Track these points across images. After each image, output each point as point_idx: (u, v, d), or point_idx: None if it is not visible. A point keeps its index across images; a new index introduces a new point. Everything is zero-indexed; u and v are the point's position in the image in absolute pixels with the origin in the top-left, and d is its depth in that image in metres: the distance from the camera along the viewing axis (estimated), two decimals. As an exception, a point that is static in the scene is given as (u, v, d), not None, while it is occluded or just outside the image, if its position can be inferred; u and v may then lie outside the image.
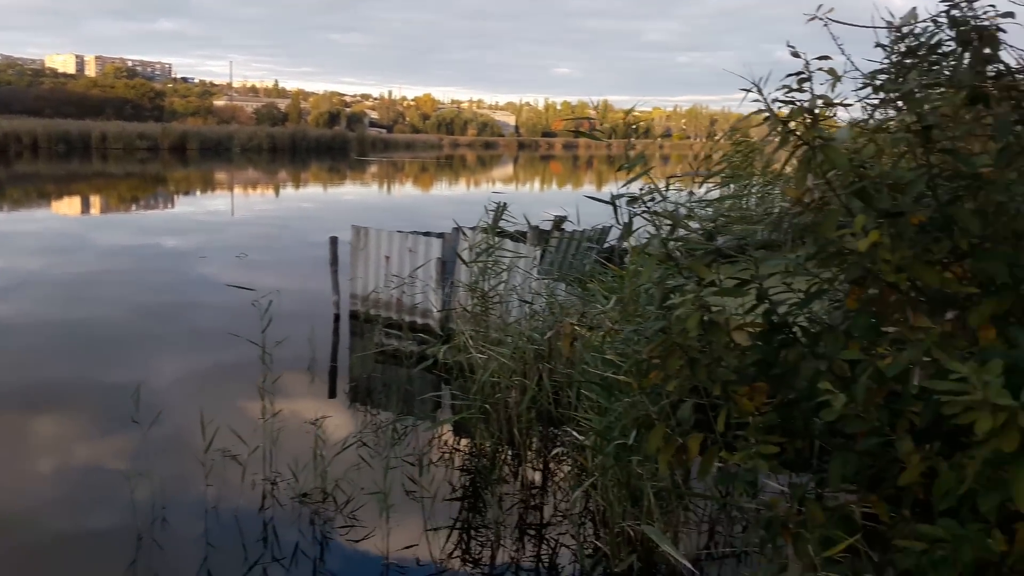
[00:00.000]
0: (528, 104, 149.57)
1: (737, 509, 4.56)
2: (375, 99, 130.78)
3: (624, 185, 3.59)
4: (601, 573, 4.83)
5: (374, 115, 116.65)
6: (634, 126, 3.62)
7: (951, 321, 2.77)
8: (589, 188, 42.24)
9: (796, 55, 3.10)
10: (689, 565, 3.94)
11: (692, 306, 3.00)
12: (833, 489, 3.52)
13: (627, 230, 3.66)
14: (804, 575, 3.06)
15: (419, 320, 9.90)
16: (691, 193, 11.59)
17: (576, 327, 5.30)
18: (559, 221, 11.53)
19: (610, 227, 11.57)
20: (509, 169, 65.97)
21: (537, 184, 49.05)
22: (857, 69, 3.56)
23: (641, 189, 3.61)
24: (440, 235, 9.99)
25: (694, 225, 4.86)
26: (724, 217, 11.36)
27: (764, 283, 3.61)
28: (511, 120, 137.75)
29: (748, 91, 3.26)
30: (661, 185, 3.44)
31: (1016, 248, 3.00)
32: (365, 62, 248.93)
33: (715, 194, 12.24)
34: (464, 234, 8.79)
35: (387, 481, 5.02)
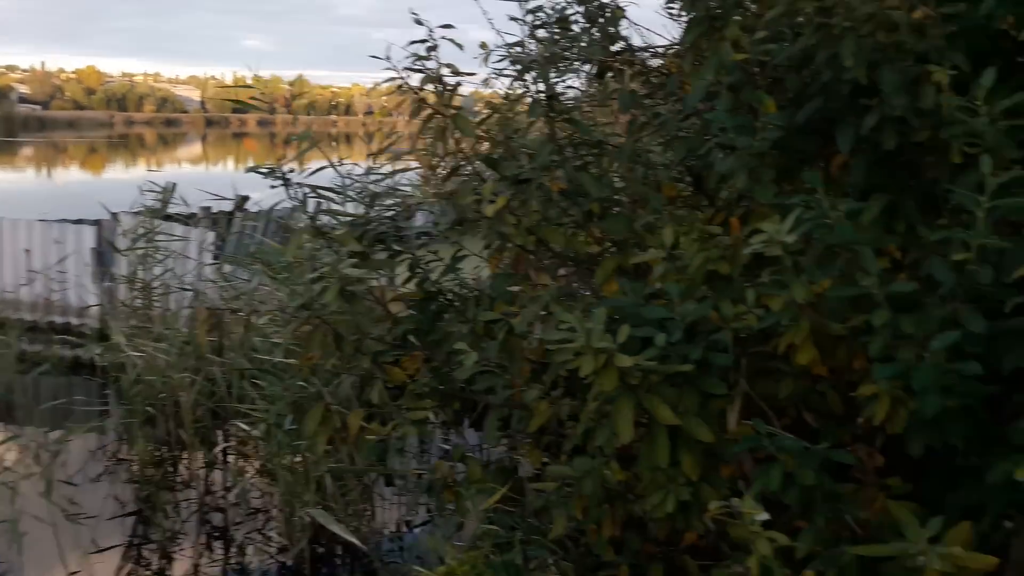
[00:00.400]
0: (215, 78, 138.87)
1: (402, 477, 4.65)
2: (24, 71, 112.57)
3: (294, 160, 3.44)
4: (288, 564, 4.67)
5: (24, 90, 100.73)
6: (334, 103, 3.46)
7: (566, 277, 2.99)
8: (289, 167, 40.62)
9: (419, 23, 3.12)
10: (356, 541, 3.92)
11: (332, 279, 2.92)
12: (488, 444, 3.70)
13: (306, 208, 3.51)
14: (476, 530, 3.17)
15: (74, 320, 8.68)
16: (392, 170, 11.49)
17: (228, 312, 4.98)
18: (241, 201, 10.79)
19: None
20: (197, 148, 61.11)
21: (230, 163, 46.07)
22: (506, 44, 3.70)
23: (282, 165, 3.47)
24: (95, 222, 8.80)
25: (389, 202, 4.79)
26: (418, 193, 11.43)
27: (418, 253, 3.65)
28: (196, 95, 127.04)
29: (377, 57, 3.23)
30: (347, 162, 3.36)
31: (644, 209, 3.33)
32: (9, 28, 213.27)
33: (413, 168, 12.31)
34: (118, 220, 7.85)
35: (15, 506, 4.33)
